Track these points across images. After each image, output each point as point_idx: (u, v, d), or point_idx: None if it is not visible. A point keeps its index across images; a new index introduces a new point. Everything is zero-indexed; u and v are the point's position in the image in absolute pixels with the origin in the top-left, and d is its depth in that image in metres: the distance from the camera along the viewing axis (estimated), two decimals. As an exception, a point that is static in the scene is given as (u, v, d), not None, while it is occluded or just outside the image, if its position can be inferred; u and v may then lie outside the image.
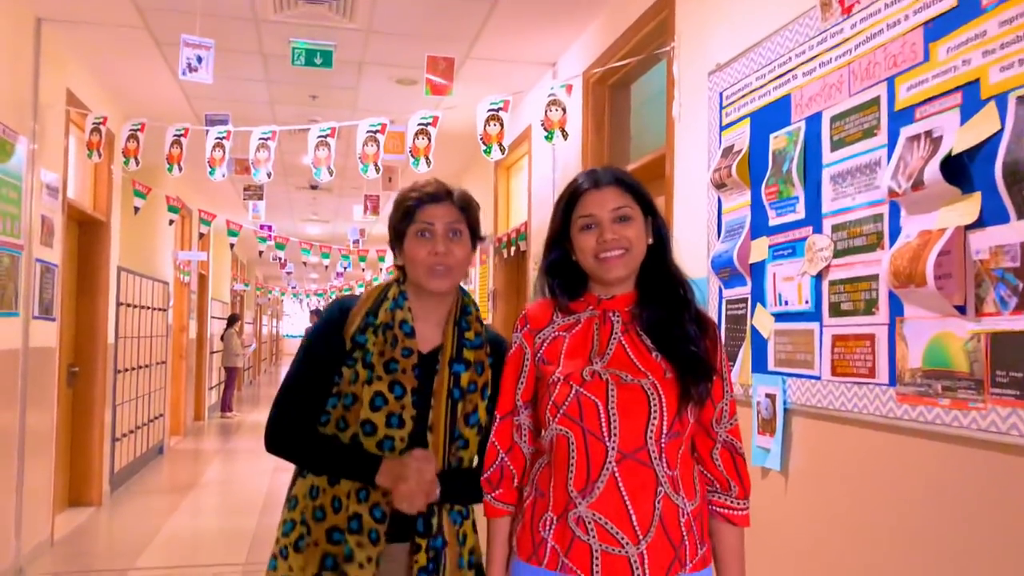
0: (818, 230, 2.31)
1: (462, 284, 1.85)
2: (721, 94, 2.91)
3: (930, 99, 1.90)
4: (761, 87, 2.64)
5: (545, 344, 1.59)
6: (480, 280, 7.01)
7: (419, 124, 3.84)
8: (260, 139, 4.17)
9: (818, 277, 2.30)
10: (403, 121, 4.15)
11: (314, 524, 1.68)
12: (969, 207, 1.76)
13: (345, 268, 10.72)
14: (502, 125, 3.64)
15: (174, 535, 5.42)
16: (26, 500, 4.47)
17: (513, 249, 5.85)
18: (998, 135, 1.70)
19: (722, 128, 2.90)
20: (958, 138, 1.79)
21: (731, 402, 1.58)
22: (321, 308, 17.01)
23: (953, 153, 1.80)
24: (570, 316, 1.60)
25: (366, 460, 1.65)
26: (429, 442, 1.69)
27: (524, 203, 5.78)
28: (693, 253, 3.02)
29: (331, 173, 4.09)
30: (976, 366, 1.75)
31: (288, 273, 14.66)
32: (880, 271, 2.04)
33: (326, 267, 11.90)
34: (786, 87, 2.50)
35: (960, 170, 1.79)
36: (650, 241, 1.58)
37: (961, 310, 1.79)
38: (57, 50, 4.82)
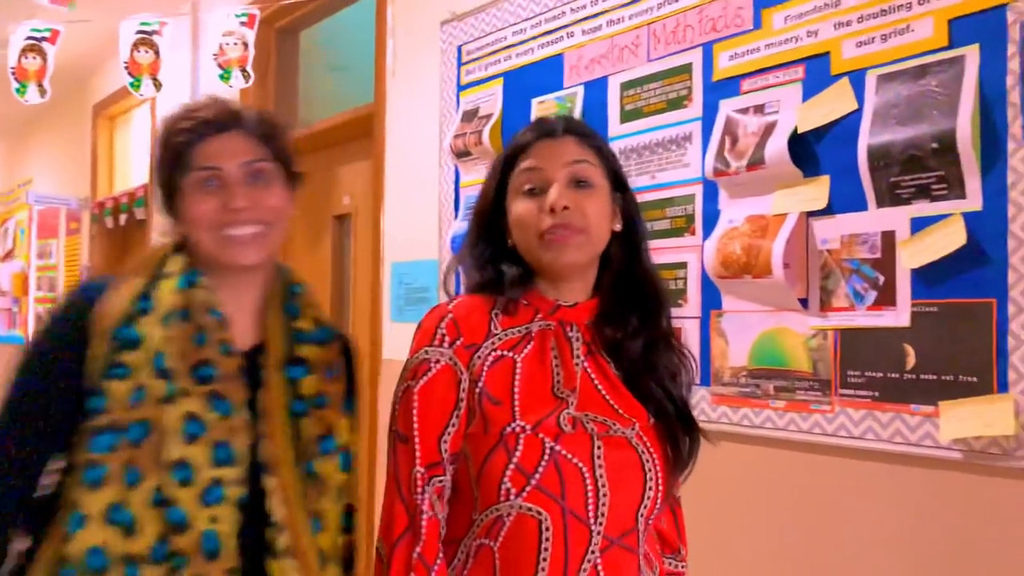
0: (602, 210, 2.04)
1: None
2: (460, 48, 2.51)
3: (761, 70, 1.73)
4: (520, 44, 2.30)
5: (487, 368, 1.07)
6: (68, 254, 5.69)
7: (29, 38, 2.79)
8: None
9: (602, 263, 2.03)
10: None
11: None
12: (817, 191, 1.61)
13: None
14: (157, 54, 2.80)
15: None
16: None
17: (124, 217, 4.79)
18: (853, 115, 1.56)
19: (460, 88, 2.50)
20: (802, 116, 1.64)
21: None
22: None
23: (799, 131, 1.64)
24: (514, 328, 1.10)
25: None
26: (270, 489, 1.12)
27: (141, 162, 4.75)
28: (422, 231, 2.58)
29: None
30: (821, 365, 1.60)
31: None
32: (694, 258, 1.83)
33: None
34: (557, 46, 2.19)
35: (800, 151, 1.64)
36: (617, 227, 1.15)
37: (802, 303, 1.64)
38: None
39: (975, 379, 1.39)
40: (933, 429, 1.43)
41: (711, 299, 1.80)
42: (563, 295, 1.13)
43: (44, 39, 2.79)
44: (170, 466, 1.06)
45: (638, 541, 1.07)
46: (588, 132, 1.16)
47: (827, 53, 1.62)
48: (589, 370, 1.11)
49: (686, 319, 1.84)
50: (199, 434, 1.08)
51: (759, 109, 1.72)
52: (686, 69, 1.88)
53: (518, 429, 1.04)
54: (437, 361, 1.07)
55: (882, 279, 1.52)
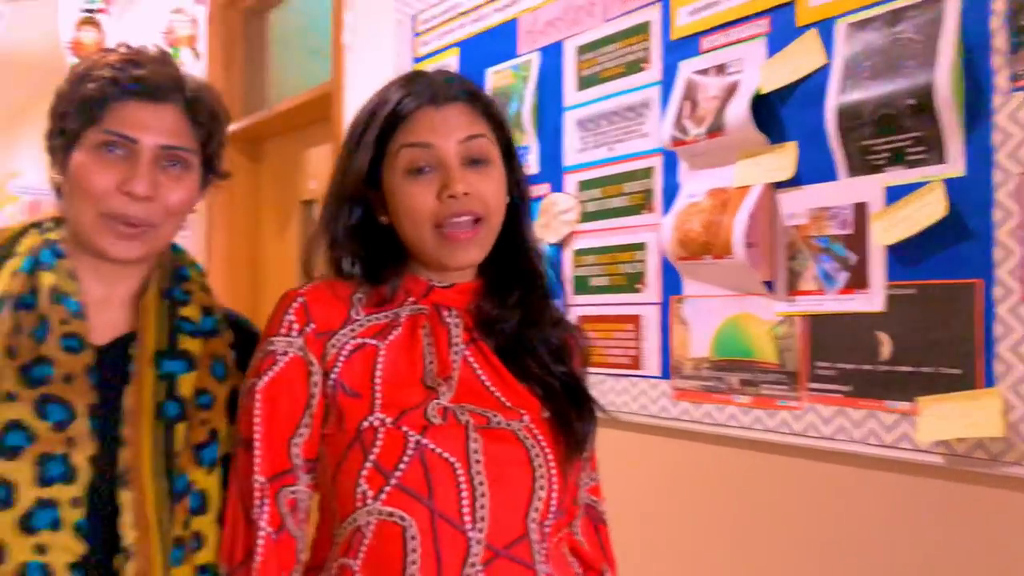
0: (558, 188, 1.86)
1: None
2: (414, 18, 2.34)
3: (722, 26, 1.54)
4: (474, 9, 2.12)
5: (343, 358, 0.93)
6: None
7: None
8: None
9: (559, 246, 1.85)
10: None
11: None
12: (783, 160, 1.43)
13: None
14: (100, 30, 2.64)
15: None
16: None
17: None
18: (823, 71, 1.37)
19: (416, 60, 2.33)
20: (765, 74, 1.45)
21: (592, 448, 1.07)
22: None
23: (763, 92, 1.45)
24: (380, 313, 0.96)
25: None
26: (124, 504, 0.96)
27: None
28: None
29: None
30: (788, 356, 1.42)
31: None
32: (653, 238, 1.65)
33: None
34: (511, 10, 2.01)
35: (765, 114, 1.46)
36: (507, 198, 1.01)
37: (768, 287, 1.46)
38: None
39: (958, 371, 1.20)
40: (911, 429, 1.25)
41: (671, 283, 1.62)
42: (444, 277, 0.98)
43: None
44: None
45: (532, 554, 0.90)
46: (477, 93, 1.00)
47: (792, 2, 1.43)
48: (471, 358, 0.96)
49: (645, 305, 1.66)
50: (23, 447, 0.93)
51: (720, 69, 1.53)
52: (643, 28, 1.69)
53: (376, 423, 0.89)
54: (284, 353, 0.93)
55: (854, 258, 1.33)
